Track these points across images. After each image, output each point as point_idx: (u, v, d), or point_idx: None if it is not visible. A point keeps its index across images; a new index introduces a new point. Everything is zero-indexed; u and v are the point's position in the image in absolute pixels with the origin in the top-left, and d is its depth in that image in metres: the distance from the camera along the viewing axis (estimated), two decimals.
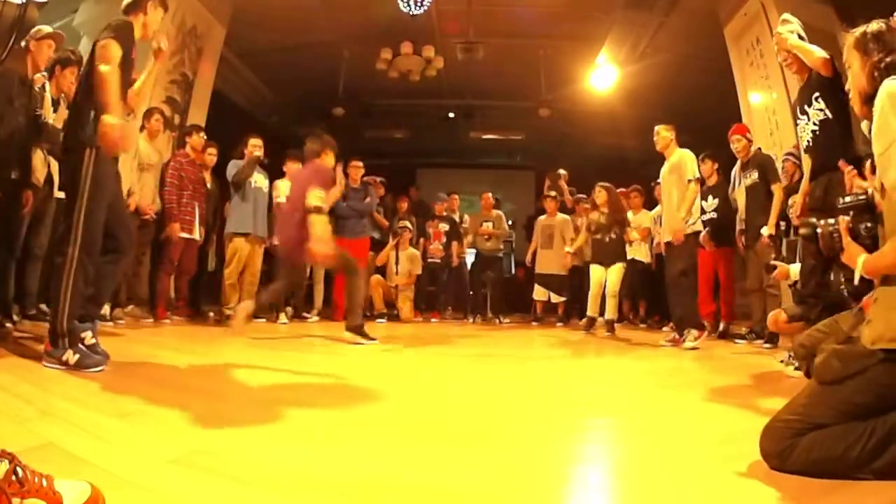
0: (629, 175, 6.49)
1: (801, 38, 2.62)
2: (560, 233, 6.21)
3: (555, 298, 6.25)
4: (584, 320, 5.22)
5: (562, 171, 6.85)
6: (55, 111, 3.11)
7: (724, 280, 4.74)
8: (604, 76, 7.08)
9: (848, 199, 1.32)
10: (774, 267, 2.89)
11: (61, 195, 2.87)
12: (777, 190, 3.93)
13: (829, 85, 2.45)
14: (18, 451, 0.83)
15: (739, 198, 4.36)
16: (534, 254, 6.42)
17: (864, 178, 2.03)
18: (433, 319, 6.26)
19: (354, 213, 5.45)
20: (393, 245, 6.02)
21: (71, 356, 2.01)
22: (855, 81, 1.35)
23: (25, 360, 2.16)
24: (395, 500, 1.02)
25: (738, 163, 4.35)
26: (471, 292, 6.79)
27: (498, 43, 6.66)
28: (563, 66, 7.13)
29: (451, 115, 8.72)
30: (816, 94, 2.51)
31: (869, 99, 1.24)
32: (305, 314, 5.39)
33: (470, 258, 6.92)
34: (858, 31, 1.34)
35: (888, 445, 1.09)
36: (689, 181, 3.79)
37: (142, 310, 4.36)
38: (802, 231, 1.42)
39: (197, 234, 4.57)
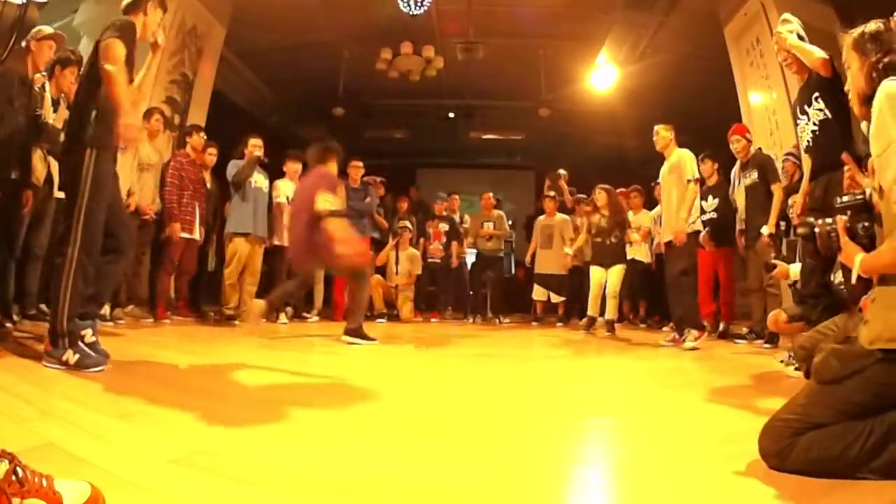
0: (629, 175, 6.49)
1: (800, 37, 2.62)
2: (559, 233, 6.21)
3: (554, 298, 6.25)
4: (585, 320, 5.22)
5: (562, 171, 6.85)
6: (55, 111, 3.11)
7: (724, 280, 4.74)
8: (604, 76, 7.08)
9: (845, 198, 1.32)
10: (774, 265, 2.89)
11: (61, 195, 2.87)
12: (777, 190, 3.93)
13: (828, 85, 2.45)
14: (18, 451, 0.83)
15: (739, 198, 4.36)
16: (533, 254, 6.42)
17: (865, 171, 2.03)
18: (433, 319, 6.27)
19: (354, 213, 5.44)
20: (393, 245, 6.02)
21: (71, 356, 2.01)
22: (853, 82, 1.35)
23: (25, 360, 2.16)
24: (395, 500, 1.02)
25: (738, 163, 4.35)
26: (471, 292, 6.80)
27: (498, 43, 6.66)
28: (563, 66, 7.13)
29: (451, 115, 8.72)
30: (816, 94, 2.51)
31: (867, 99, 1.24)
32: (305, 314, 5.39)
33: (471, 258, 6.92)
34: (856, 31, 1.34)
35: (886, 445, 1.09)
36: (689, 181, 3.79)
37: (142, 310, 4.36)
38: (800, 231, 1.42)
39: (197, 234, 4.58)
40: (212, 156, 4.85)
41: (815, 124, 2.53)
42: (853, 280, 1.25)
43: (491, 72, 7.31)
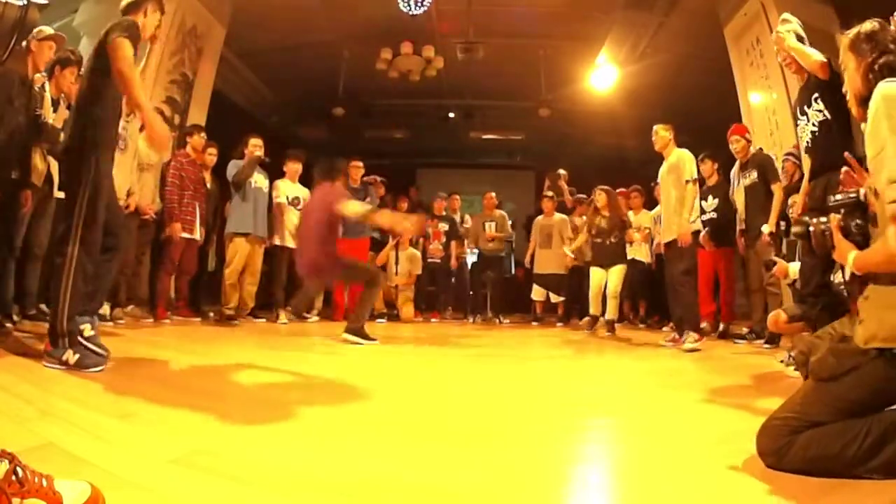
0: (629, 175, 6.49)
1: (800, 37, 2.62)
2: (558, 233, 6.21)
3: (554, 298, 6.25)
4: (587, 319, 5.22)
5: (562, 171, 6.85)
6: (55, 111, 3.11)
7: (724, 280, 4.74)
8: (604, 76, 7.08)
9: (838, 196, 1.33)
10: (774, 263, 2.89)
11: (61, 195, 2.87)
12: (777, 189, 3.93)
13: (828, 86, 2.45)
14: (18, 451, 0.83)
15: (738, 198, 4.36)
16: (532, 254, 6.42)
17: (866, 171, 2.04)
18: (433, 319, 6.27)
19: None
20: (393, 245, 6.02)
21: (71, 356, 2.01)
22: (850, 83, 1.35)
23: (25, 360, 2.16)
24: (395, 500, 1.02)
25: (737, 163, 4.35)
26: (471, 292, 6.80)
27: (498, 43, 6.66)
28: (563, 66, 7.13)
29: (451, 115, 8.72)
30: (816, 94, 2.51)
31: (864, 101, 1.24)
32: (305, 314, 5.39)
33: (472, 258, 6.92)
34: (852, 32, 1.34)
35: (884, 444, 1.10)
36: (687, 182, 3.79)
37: (142, 310, 4.37)
38: (795, 230, 1.43)
39: (197, 234, 4.58)
40: (212, 156, 4.86)
41: (814, 125, 2.53)
42: (846, 277, 1.26)
43: (491, 72, 7.30)
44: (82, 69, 2.73)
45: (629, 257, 5.28)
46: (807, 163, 2.90)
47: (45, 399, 1.59)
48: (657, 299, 5.65)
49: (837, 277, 2.16)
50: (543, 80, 7.41)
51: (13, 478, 0.78)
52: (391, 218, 3.81)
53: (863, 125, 1.23)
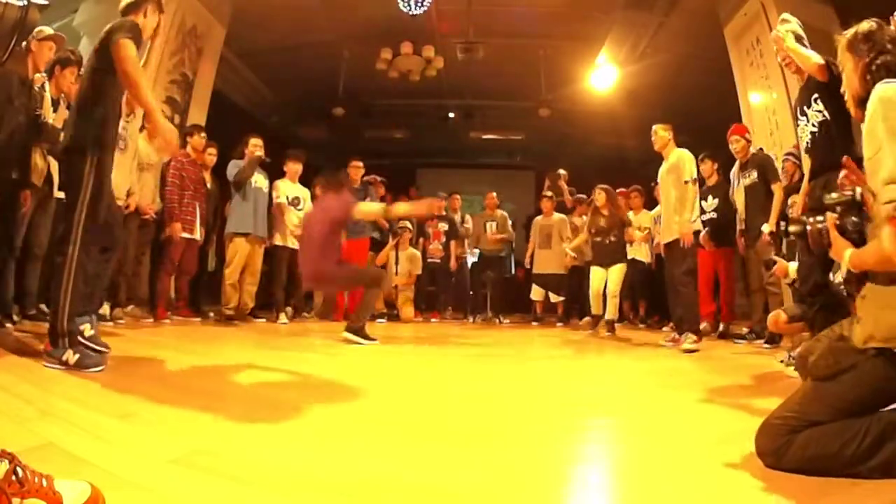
0: (629, 175, 6.49)
1: (799, 37, 2.61)
2: (558, 232, 6.22)
3: (553, 298, 6.25)
4: (587, 320, 5.22)
5: (562, 171, 6.85)
6: (55, 111, 3.11)
7: (724, 280, 4.75)
8: (604, 76, 7.08)
9: (834, 195, 1.34)
10: (774, 263, 2.89)
11: (61, 195, 2.87)
12: (777, 189, 3.94)
13: (827, 87, 2.45)
14: (18, 451, 0.83)
15: (738, 198, 4.36)
16: (531, 255, 6.41)
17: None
18: (433, 319, 6.27)
19: None
20: (393, 245, 6.03)
21: (71, 356, 2.01)
22: (848, 84, 1.35)
23: (25, 360, 2.16)
24: (395, 500, 1.02)
25: (737, 163, 4.35)
26: (471, 292, 6.80)
27: (498, 43, 6.66)
28: (563, 66, 7.13)
29: (451, 115, 8.72)
30: (815, 95, 2.51)
31: (863, 101, 1.24)
32: (306, 314, 5.39)
33: (473, 258, 6.93)
34: (850, 32, 1.34)
35: (883, 444, 1.10)
36: (687, 182, 3.78)
37: (142, 310, 4.37)
38: (792, 229, 1.43)
39: (198, 234, 4.58)
40: (212, 156, 4.86)
41: (814, 125, 2.53)
42: (843, 273, 1.27)
43: (491, 72, 7.30)
44: (82, 69, 2.74)
45: (629, 257, 5.28)
46: (807, 163, 2.90)
47: (45, 399, 1.59)
48: (657, 299, 5.65)
49: (837, 277, 2.16)
50: (543, 80, 7.41)
51: (13, 478, 0.78)
52: (408, 207, 3.82)
53: (862, 126, 1.23)
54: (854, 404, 1.15)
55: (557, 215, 6.33)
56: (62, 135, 2.41)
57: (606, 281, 4.96)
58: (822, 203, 2.54)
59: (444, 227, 6.54)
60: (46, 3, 1.53)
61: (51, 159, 3.10)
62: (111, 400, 1.66)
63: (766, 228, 3.73)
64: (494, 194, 6.77)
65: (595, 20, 6.31)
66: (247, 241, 4.73)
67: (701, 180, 4.36)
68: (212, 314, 4.81)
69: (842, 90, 1.40)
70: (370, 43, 6.86)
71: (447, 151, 10.63)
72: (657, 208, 5.36)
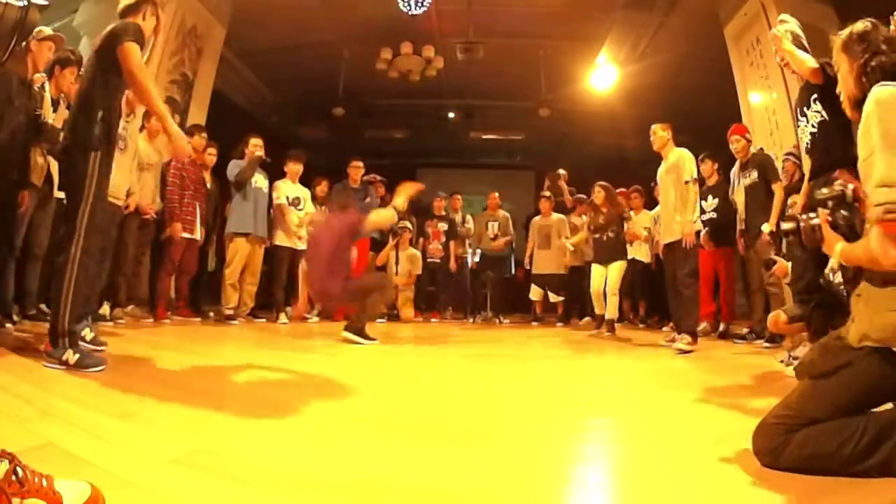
0: (629, 175, 6.49)
1: (797, 37, 2.61)
2: (557, 232, 6.22)
3: (553, 298, 6.25)
4: (588, 320, 5.21)
5: (562, 171, 6.84)
6: (55, 111, 3.11)
7: (724, 280, 4.75)
8: (604, 76, 7.08)
9: (824, 190, 1.35)
10: (774, 262, 2.89)
11: (61, 195, 2.88)
12: (778, 189, 3.94)
13: (825, 88, 2.45)
14: (18, 451, 0.83)
15: (738, 198, 4.36)
16: (531, 255, 6.41)
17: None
18: (433, 319, 6.27)
19: None
20: (393, 245, 6.03)
21: (71, 356, 2.01)
22: (844, 85, 1.35)
23: (25, 360, 2.16)
24: (395, 500, 1.02)
25: (737, 163, 4.35)
26: (471, 292, 6.80)
27: (498, 43, 6.66)
28: (563, 66, 7.13)
29: (451, 115, 8.72)
30: (814, 96, 2.51)
31: (858, 102, 1.25)
32: (306, 314, 5.39)
33: (475, 258, 6.93)
34: (845, 33, 1.34)
35: (880, 443, 1.10)
36: (687, 182, 3.78)
37: (142, 310, 4.37)
38: (785, 226, 1.44)
39: (198, 234, 4.58)
40: (212, 156, 4.86)
41: (813, 126, 2.53)
42: (835, 266, 1.28)
43: (491, 72, 7.30)
44: (82, 69, 2.74)
45: (629, 257, 5.27)
46: (807, 163, 2.90)
47: (45, 399, 1.59)
48: (657, 299, 5.65)
49: (837, 277, 2.16)
50: (543, 80, 7.41)
51: (13, 478, 0.78)
52: (399, 200, 3.84)
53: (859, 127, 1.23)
54: (851, 402, 1.16)
55: (556, 215, 6.33)
56: (62, 135, 2.41)
57: (606, 279, 4.96)
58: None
59: (443, 227, 6.54)
60: (46, 3, 1.52)
61: (50, 159, 3.10)
62: (111, 400, 1.66)
63: (767, 228, 3.73)
64: (497, 194, 6.77)
65: (595, 20, 6.31)
66: (247, 241, 4.73)
67: (701, 180, 4.36)
68: (212, 314, 4.81)
69: (837, 91, 1.40)
70: (370, 43, 6.86)
71: (447, 151, 10.63)
72: (657, 208, 5.37)
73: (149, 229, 4.34)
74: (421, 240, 6.50)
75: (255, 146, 4.81)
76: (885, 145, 1.11)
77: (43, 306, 3.30)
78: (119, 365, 2.19)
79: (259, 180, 4.85)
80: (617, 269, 4.92)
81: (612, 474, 1.30)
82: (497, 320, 6.38)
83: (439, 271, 6.52)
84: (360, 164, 5.67)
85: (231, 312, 4.64)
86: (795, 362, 2.65)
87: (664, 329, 5.00)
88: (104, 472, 1.01)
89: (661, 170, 3.98)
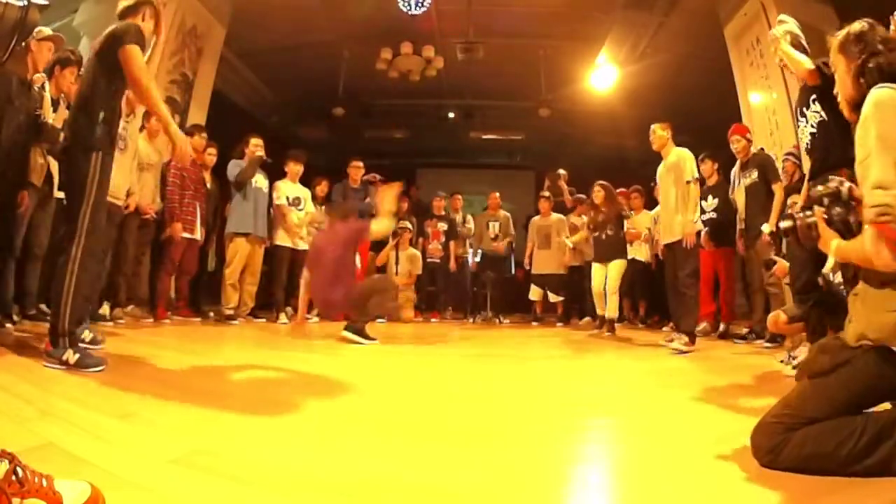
0: (629, 175, 6.49)
1: (796, 37, 2.62)
2: (556, 233, 6.22)
3: (553, 298, 6.25)
4: (588, 320, 5.20)
5: (562, 171, 6.84)
6: (55, 111, 3.12)
7: (724, 280, 4.74)
8: (604, 76, 7.08)
9: (820, 188, 1.35)
10: (774, 262, 2.89)
11: (61, 195, 2.88)
12: (778, 189, 3.94)
13: (824, 88, 2.45)
14: (18, 451, 0.83)
15: (739, 198, 4.37)
16: (531, 255, 6.41)
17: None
18: (433, 319, 6.27)
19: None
20: (393, 245, 6.03)
21: (71, 356, 2.01)
22: (841, 86, 1.35)
23: (25, 360, 2.16)
24: (395, 500, 1.02)
25: (738, 163, 4.36)
26: (475, 288, 6.80)
27: (498, 43, 6.66)
28: (563, 66, 7.13)
29: (451, 115, 8.72)
30: (813, 96, 2.51)
31: (857, 104, 1.25)
32: (307, 316, 5.39)
33: (475, 258, 6.93)
34: (842, 33, 1.34)
35: (879, 443, 1.10)
36: (688, 182, 3.78)
37: (142, 310, 4.37)
38: (783, 224, 1.45)
39: (198, 234, 4.58)
40: (211, 156, 4.86)
41: (813, 126, 2.53)
42: (834, 265, 1.30)
43: (491, 72, 7.30)
44: (82, 69, 2.74)
45: (629, 257, 5.27)
46: (807, 163, 2.90)
47: (45, 399, 1.59)
48: (657, 299, 5.65)
49: (837, 277, 2.16)
50: (543, 80, 7.41)
51: (13, 478, 0.78)
52: (387, 207, 3.89)
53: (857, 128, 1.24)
54: (849, 400, 1.16)
55: (555, 215, 6.34)
56: (62, 135, 2.41)
57: (606, 277, 4.95)
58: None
59: (443, 226, 6.54)
60: (46, 3, 1.52)
61: (50, 159, 3.10)
62: (111, 400, 1.66)
63: (767, 228, 3.73)
64: (498, 195, 6.77)
65: (595, 20, 6.31)
66: (247, 241, 4.73)
67: (701, 180, 4.36)
68: (212, 314, 4.81)
69: (834, 92, 1.40)
70: (370, 43, 6.86)
71: (447, 151, 10.63)
72: (657, 208, 5.37)
73: (149, 229, 4.34)
74: (420, 240, 6.50)
75: (256, 146, 4.81)
76: (882, 147, 1.11)
77: (43, 306, 3.31)
78: (119, 365, 2.19)
79: (259, 180, 4.85)
80: (617, 267, 4.91)
81: (612, 474, 1.30)
82: (497, 320, 6.38)
83: (439, 271, 6.53)
84: (360, 164, 5.68)
85: (231, 312, 4.64)
86: (794, 361, 2.66)
87: (664, 329, 4.99)
88: (104, 472, 1.01)
89: (660, 169, 3.98)
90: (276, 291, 5.08)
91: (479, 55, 6.57)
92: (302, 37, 6.80)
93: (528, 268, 6.52)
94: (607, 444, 1.55)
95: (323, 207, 5.60)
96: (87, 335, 2.52)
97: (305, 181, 5.40)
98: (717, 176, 4.70)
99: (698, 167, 4.07)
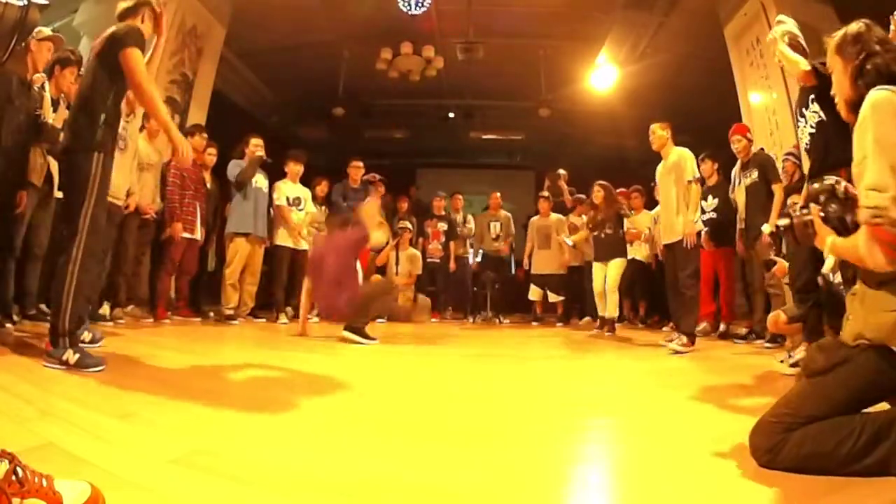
0: (629, 175, 6.48)
1: (795, 37, 2.62)
2: (556, 233, 6.22)
3: (552, 298, 6.25)
4: (587, 320, 5.19)
5: (561, 171, 6.84)
6: (55, 111, 3.12)
7: (724, 280, 4.74)
8: (604, 76, 7.08)
9: (816, 185, 1.36)
10: (774, 263, 2.89)
11: (61, 195, 2.87)
12: (778, 189, 3.94)
13: (822, 88, 2.45)
14: (18, 451, 0.83)
15: (739, 197, 4.36)
16: (530, 255, 6.41)
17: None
18: (433, 319, 6.27)
19: (354, 213, 5.46)
20: (393, 246, 6.03)
21: (71, 356, 2.01)
22: (839, 87, 1.36)
23: (25, 360, 2.16)
24: (395, 500, 1.02)
25: (739, 163, 4.36)
26: (475, 288, 6.80)
27: (498, 43, 6.66)
28: (563, 66, 7.13)
29: (451, 115, 8.71)
30: (812, 96, 2.51)
31: (855, 105, 1.25)
32: (308, 316, 5.38)
33: (476, 258, 6.93)
34: (838, 34, 1.34)
35: (878, 443, 1.11)
36: (690, 182, 3.77)
37: (142, 310, 4.37)
38: (780, 222, 1.45)
39: (198, 234, 4.58)
40: (211, 156, 4.86)
41: (812, 126, 2.53)
42: (830, 262, 1.31)
43: (491, 72, 7.30)
44: (83, 69, 2.74)
45: (629, 257, 5.26)
46: (807, 163, 2.90)
47: (45, 399, 1.59)
48: (657, 299, 5.65)
49: (837, 277, 2.16)
50: (543, 80, 7.41)
51: (13, 478, 0.78)
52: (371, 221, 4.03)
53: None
54: (848, 398, 1.16)
55: (555, 215, 6.34)
56: (62, 135, 2.41)
57: (606, 276, 4.95)
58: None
59: (443, 226, 6.54)
60: (46, 3, 1.53)
61: (50, 159, 3.10)
62: (111, 400, 1.66)
63: (767, 229, 3.72)
64: (499, 195, 6.77)
65: (595, 20, 6.30)
66: (247, 241, 4.73)
67: (701, 180, 4.35)
68: (212, 314, 4.81)
69: (832, 92, 1.40)
70: (370, 43, 6.86)
71: (447, 151, 10.63)
72: (657, 208, 5.36)
73: (149, 229, 4.34)
74: (420, 240, 6.50)
75: (256, 146, 4.81)
76: (879, 150, 1.12)
77: (43, 306, 3.31)
78: (119, 365, 2.19)
79: (259, 180, 4.85)
80: (616, 266, 4.91)
81: (612, 474, 1.30)
82: (497, 320, 6.38)
83: (439, 271, 6.53)
84: (360, 164, 5.68)
85: (231, 312, 4.64)
86: (792, 360, 2.66)
87: (664, 329, 4.99)
88: (104, 472, 1.01)
89: (659, 169, 3.97)
90: (276, 291, 5.08)
91: (479, 55, 6.56)
92: (302, 37, 6.80)
93: (527, 268, 6.52)
94: (607, 444, 1.55)
95: (323, 208, 5.61)
96: (86, 336, 2.52)
97: (305, 181, 5.40)
98: (716, 176, 4.70)
99: (698, 167, 4.07)
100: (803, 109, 2.59)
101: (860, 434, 1.11)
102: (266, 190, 4.95)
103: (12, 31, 1.37)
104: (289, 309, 5.12)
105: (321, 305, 3.85)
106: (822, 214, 1.30)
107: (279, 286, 5.07)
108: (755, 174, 4.14)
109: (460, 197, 6.97)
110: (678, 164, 3.81)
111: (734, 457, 1.24)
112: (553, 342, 4.47)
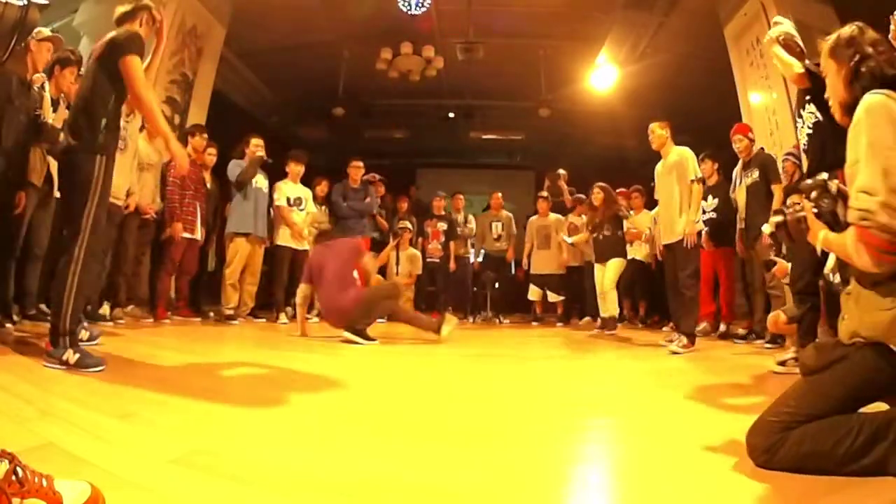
0: (629, 175, 6.48)
1: (792, 37, 2.62)
2: (556, 232, 6.22)
3: (552, 298, 6.25)
4: (587, 320, 5.19)
5: (561, 171, 6.84)
6: (55, 111, 3.12)
7: (724, 280, 4.74)
8: (604, 76, 7.08)
9: (808, 181, 1.37)
10: (774, 263, 2.89)
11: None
12: (777, 190, 3.94)
13: (818, 89, 2.46)
14: (18, 451, 0.83)
15: (740, 197, 4.37)
16: (529, 255, 6.41)
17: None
18: (433, 319, 6.25)
19: (354, 213, 5.48)
20: (393, 245, 6.02)
21: (71, 356, 2.01)
22: (832, 90, 1.36)
23: (25, 360, 2.16)
24: (395, 500, 1.02)
25: (740, 162, 4.36)
26: (475, 288, 6.79)
27: (498, 43, 6.66)
28: (563, 66, 7.12)
29: (451, 115, 8.71)
30: (808, 97, 2.52)
31: (847, 106, 1.26)
32: (308, 315, 5.39)
33: (478, 258, 6.93)
34: (832, 37, 1.35)
35: (876, 442, 1.11)
36: (692, 181, 3.77)
37: (142, 310, 4.37)
38: (774, 219, 1.45)
39: (198, 234, 4.58)
40: (211, 156, 4.86)
41: (809, 127, 2.54)
42: (830, 263, 1.32)
43: (491, 72, 7.30)
44: (83, 70, 2.74)
45: (629, 257, 5.26)
46: (806, 164, 2.90)
47: (45, 399, 1.59)
48: (657, 299, 5.65)
49: (837, 278, 2.16)
50: (543, 80, 7.41)
51: (13, 478, 0.78)
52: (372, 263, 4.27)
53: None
54: (846, 395, 1.17)
55: (554, 215, 6.34)
56: (62, 135, 2.41)
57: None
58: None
59: (443, 226, 6.54)
60: (46, 3, 1.53)
61: (50, 159, 3.10)
62: (111, 400, 1.66)
63: (767, 229, 3.72)
64: (500, 195, 6.78)
65: (595, 20, 6.30)
66: (247, 241, 4.73)
67: (701, 180, 4.35)
68: (212, 314, 4.81)
69: (826, 95, 1.41)
70: (370, 43, 6.86)
71: (447, 151, 10.63)
72: (657, 208, 5.35)
73: (149, 229, 4.34)
74: (420, 240, 6.50)
75: (256, 146, 4.81)
76: (872, 153, 1.13)
77: (43, 306, 3.31)
78: (119, 365, 2.19)
79: (259, 180, 4.85)
80: (614, 266, 4.92)
81: (612, 474, 1.30)
82: (497, 320, 6.38)
83: (439, 271, 6.52)
84: (360, 164, 5.68)
85: (231, 312, 4.64)
86: (779, 358, 2.66)
87: (664, 329, 4.99)
88: (104, 472, 1.01)
89: (659, 168, 3.97)
90: (276, 291, 5.08)
91: (479, 55, 6.56)
92: (302, 37, 6.80)
93: (526, 268, 6.52)
94: (607, 444, 1.55)
95: (323, 208, 5.60)
96: (83, 334, 2.52)
97: (306, 181, 5.40)
98: (717, 176, 4.70)
99: (699, 167, 4.06)
100: (801, 110, 2.59)
101: (858, 434, 1.11)
102: (266, 190, 4.95)
103: (12, 31, 1.37)
104: (289, 309, 5.12)
105: (328, 308, 3.87)
106: (815, 210, 1.31)
107: (279, 286, 5.08)
108: (756, 174, 4.15)
109: (461, 197, 6.96)
110: (679, 163, 3.80)
111: (734, 457, 1.24)
112: (553, 342, 4.47)
